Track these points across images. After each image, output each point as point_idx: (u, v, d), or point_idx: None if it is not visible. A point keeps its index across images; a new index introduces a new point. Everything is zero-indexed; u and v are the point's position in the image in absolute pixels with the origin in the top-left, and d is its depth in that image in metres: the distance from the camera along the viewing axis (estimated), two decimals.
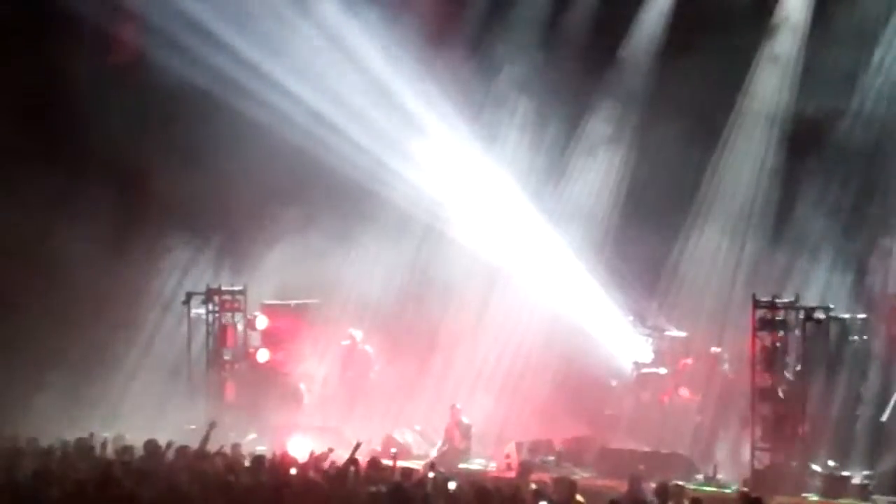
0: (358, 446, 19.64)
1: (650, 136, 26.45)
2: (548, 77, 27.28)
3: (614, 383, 25.47)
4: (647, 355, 25.43)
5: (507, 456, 23.76)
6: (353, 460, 18.45)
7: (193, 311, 27.16)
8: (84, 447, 20.55)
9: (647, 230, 25.85)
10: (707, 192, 25.96)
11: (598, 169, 27.37)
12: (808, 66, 25.21)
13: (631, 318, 25.97)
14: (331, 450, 20.46)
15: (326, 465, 19.21)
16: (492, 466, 24.04)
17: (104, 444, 20.54)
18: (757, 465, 21.95)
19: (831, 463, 21.66)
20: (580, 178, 27.50)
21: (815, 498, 20.83)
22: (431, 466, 20.07)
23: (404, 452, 23.91)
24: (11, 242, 27.18)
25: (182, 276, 28.15)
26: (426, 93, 26.92)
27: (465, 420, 24.91)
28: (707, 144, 25.80)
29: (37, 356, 26.69)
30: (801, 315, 22.22)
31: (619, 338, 25.64)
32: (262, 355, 27.65)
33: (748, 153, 25.86)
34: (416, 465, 20.98)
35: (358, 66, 26.96)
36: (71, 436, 21.47)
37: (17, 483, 17.21)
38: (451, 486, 17.14)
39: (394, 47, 26.71)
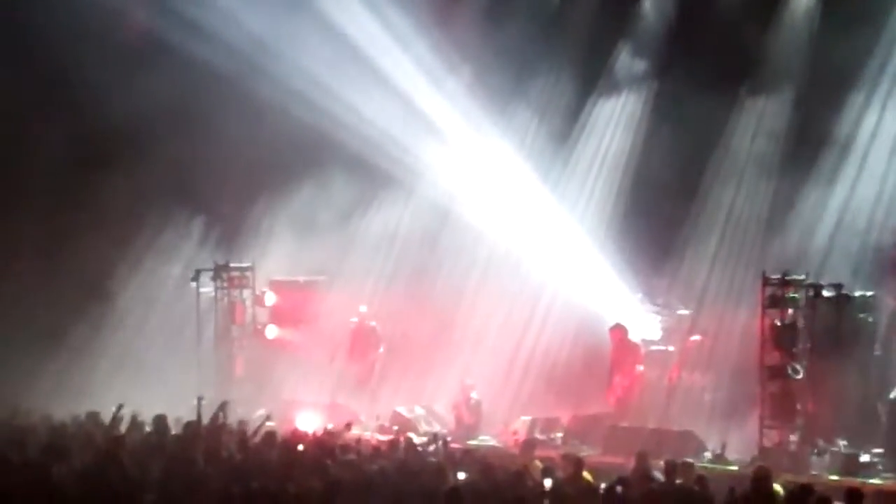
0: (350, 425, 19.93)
1: (658, 115, 26.42)
2: (556, 56, 27.26)
3: None
4: (655, 333, 25.42)
5: (515, 433, 23.80)
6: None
7: (202, 288, 27.21)
8: (95, 422, 20.65)
9: (656, 208, 25.82)
10: (716, 170, 25.91)
11: (606, 147, 27.34)
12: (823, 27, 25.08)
13: (640, 295, 25.96)
14: (349, 425, 20.61)
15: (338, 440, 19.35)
16: (499, 443, 24.05)
17: (115, 419, 20.60)
18: (766, 443, 21.93)
19: (841, 441, 21.62)
20: (588, 156, 27.47)
21: (824, 476, 20.79)
22: (435, 438, 20.15)
23: (411, 428, 23.96)
24: (16, 221, 27.30)
25: (190, 253, 28.19)
26: (436, 69, 26.90)
27: (475, 396, 24.98)
28: (716, 123, 25.72)
29: (45, 332, 26.74)
30: (811, 292, 22.17)
31: (628, 315, 25.60)
32: (271, 332, 27.73)
33: (754, 134, 25.81)
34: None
35: (368, 41, 26.91)
36: (81, 411, 21.57)
37: (29, 458, 17.26)
38: (461, 476, 17.14)
39: (403, 23, 26.67)
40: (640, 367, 24.70)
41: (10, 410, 22.48)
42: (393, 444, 19.62)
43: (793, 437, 21.87)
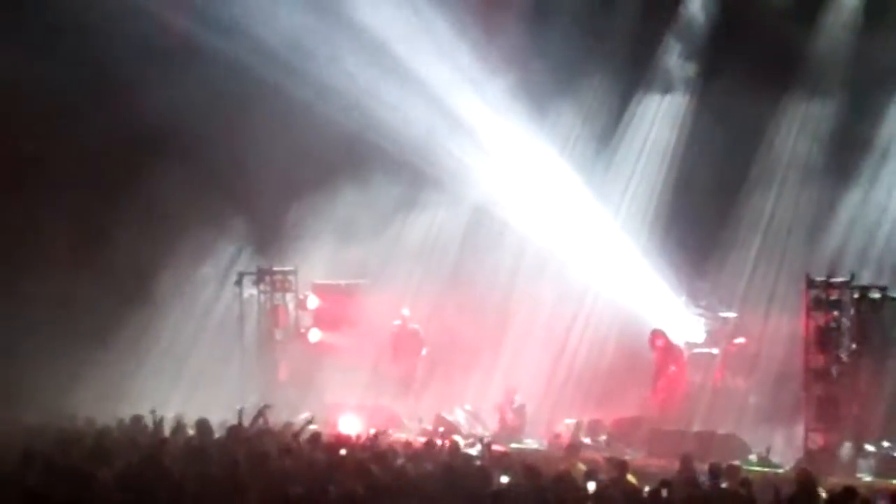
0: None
1: (702, 115, 26.32)
2: (599, 57, 27.17)
3: None
4: (699, 335, 25.31)
5: (558, 435, 23.74)
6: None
7: (245, 292, 27.27)
8: (139, 426, 20.74)
9: (700, 209, 25.72)
10: (759, 172, 25.79)
11: (650, 148, 27.24)
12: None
13: (683, 298, 25.85)
14: (385, 431, 20.61)
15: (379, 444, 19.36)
16: (543, 446, 24.00)
17: (159, 423, 20.69)
18: (810, 446, 21.79)
19: (885, 443, 21.47)
20: (632, 157, 27.38)
21: (868, 478, 20.64)
22: (480, 441, 20.14)
23: (455, 431, 23.94)
24: (58, 224, 27.45)
25: (233, 257, 28.25)
26: (478, 70, 26.84)
27: (519, 398, 24.96)
28: (759, 124, 25.62)
29: (89, 336, 26.84)
30: (856, 294, 22.02)
31: (672, 318, 25.51)
32: (314, 335, 27.77)
33: (798, 136, 25.68)
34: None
35: (410, 43, 26.89)
36: (125, 415, 21.68)
37: (74, 462, 17.34)
38: (504, 479, 17.12)
39: (444, 24, 26.63)
40: (676, 370, 24.59)
41: (56, 414, 22.62)
42: (437, 446, 19.59)
43: (839, 441, 21.71)
